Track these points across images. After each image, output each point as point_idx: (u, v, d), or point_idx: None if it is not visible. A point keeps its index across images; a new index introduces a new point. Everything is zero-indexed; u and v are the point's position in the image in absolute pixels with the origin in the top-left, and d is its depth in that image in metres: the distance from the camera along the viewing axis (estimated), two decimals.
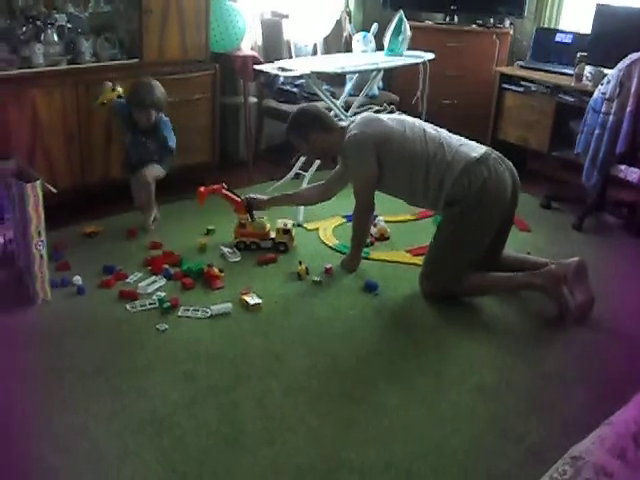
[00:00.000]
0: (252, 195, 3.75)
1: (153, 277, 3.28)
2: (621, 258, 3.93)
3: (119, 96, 3.71)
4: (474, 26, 5.55)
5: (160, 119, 3.79)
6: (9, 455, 2.16)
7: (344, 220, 4.09)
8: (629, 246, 4.10)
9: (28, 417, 2.34)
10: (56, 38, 3.73)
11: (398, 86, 5.48)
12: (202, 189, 3.70)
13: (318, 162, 4.18)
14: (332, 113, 4.24)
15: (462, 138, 3.35)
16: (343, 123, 3.61)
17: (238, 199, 3.72)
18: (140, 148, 3.82)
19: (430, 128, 3.37)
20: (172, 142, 3.85)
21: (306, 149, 3.57)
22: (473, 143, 3.32)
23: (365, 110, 4.55)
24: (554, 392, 2.63)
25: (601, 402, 2.45)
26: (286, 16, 5.08)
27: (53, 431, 2.27)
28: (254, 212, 3.70)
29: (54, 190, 3.14)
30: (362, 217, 3.46)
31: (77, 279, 3.16)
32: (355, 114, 4.41)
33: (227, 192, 3.75)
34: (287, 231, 3.67)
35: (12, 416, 2.34)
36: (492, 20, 5.55)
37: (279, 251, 3.64)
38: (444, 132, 3.37)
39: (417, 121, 3.44)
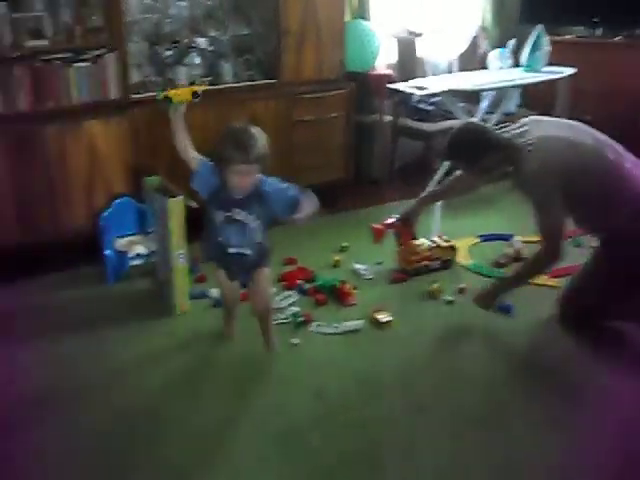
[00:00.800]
0: (402, 214, 3.48)
1: (287, 292, 3.33)
2: None
3: (195, 94, 2.69)
4: (620, 38, 5.31)
5: (263, 181, 2.65)
6: (144, 459, 2.25)
7: (479, 240, 4.01)
8: None
9: (164, 419, 2.45)
10: (198, 61, 3.89)
11: (535, 102, 5.32)
12: (378, 226, 3.53)
13: None
14: None
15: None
16: (510, 135, 2.98)
17: (409, 232, 3.52)
18: (233, 232, 2.64)
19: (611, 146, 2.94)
20: (292, 191, 2.70)
21: (477, 173, 3.04)
22: None
23: (502, 128, 4.45)
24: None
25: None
26: (420, 34, 5.08)
27: (187, 433, 2.36)
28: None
29: (195, 205, 3.25)
30: (543, 264, 2.97)
31: (214, 292, 3.26)
32: None
33: (399, 225, 3.52)
34: (452, 247, 3.66)
35: (150, 422, 2.44)
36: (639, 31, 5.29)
37: (445, 268, 3.63)
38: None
39: (596, 134, 2.97)
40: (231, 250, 2.66)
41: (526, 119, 3.06)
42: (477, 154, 2.90)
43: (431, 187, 4.29)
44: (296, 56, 4.15)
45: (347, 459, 2.25)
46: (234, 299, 2.91)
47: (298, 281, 3.40)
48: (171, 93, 2.63)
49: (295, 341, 2.92)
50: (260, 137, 2.58)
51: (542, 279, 3.49)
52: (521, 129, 2.95)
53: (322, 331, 3.01)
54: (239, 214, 2.60)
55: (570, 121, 3.07)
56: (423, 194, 3.51)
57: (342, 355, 2.85)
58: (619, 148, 2.94)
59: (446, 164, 4.21)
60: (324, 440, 2.34)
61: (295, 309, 3.14)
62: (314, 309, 3.19)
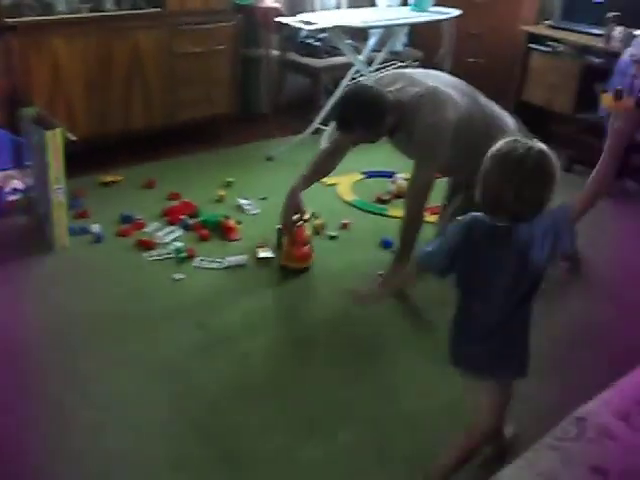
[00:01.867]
0: (286, 216, 2.96)
1: (170, 227, 3.31)
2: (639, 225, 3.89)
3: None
4: None
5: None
6: (29, 397, 2.24)
7: (363, 176, 4.09)
8: None
9: (47, 361, 2.40)
10: None
11: (422, 42, 5.40)
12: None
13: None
14: (354, 68, 4.22)
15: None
16: (391, 95, 2.78)
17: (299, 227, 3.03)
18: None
19: (479, 94, 3.00)
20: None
21: (366, 137, 2.84)
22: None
23: (388, 66, 4.51)
24: (561, 356, 2.64)
25: (608, 366, 2.47)
26: None
27: (71, 374, 2.33)
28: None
29: (74, 138, 3.15)
30: (418, 221, 2.88)
31: (95, 227, 3.20)
32: (377, 69, 4.38)
33: None
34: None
35: (31, 360, 2.41)
36: None
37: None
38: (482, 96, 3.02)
39: (464, 83, 2.98)
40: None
41: (390, 71, 3.10)
42: (375, 118, 2.73)
43: (314, 127, 4.31)
44: None
45: (230, 392, 2.31)
46: None
47: (182, 216, 3.37)
48: None
49: (178, 276, 2.92)
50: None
51: None
52: (402, 84, 2.83)
53: (206, 266, 3.02)
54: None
55: (430, 70, 3.10)
56: (297, 182, 2.96)
57: (225, 289, 2.88)
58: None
59: (333, 100, 4.23)
60: (207, 373, 2.37)
61: (178, 244, 3.13)
62: (198, 244, 3.19)
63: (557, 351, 2.66)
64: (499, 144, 1.73)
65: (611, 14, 4.63)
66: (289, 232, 2.96)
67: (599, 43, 4.64)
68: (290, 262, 3.01)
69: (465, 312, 1.86)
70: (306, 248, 3.03)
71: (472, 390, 1.93)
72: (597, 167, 1.89)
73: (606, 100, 2.54)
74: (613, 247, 3.25)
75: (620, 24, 4.56)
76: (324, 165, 3.02)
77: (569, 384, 2.45)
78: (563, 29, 5.00)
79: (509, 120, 3.03)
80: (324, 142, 4.09)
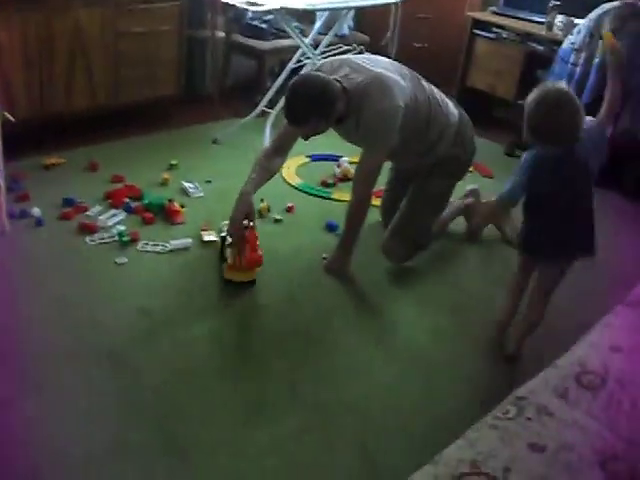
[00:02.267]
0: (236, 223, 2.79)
1: (113, 210, 3.26)
2: None
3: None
4: None
5: None
6: None
7: (307, 160, 4.09)
8: None
9: None
10: None
11: (368, 26, 5.41)
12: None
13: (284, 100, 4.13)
14: (300, 51, 4.20)
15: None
16: (338, 83, 2.73)
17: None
18: None
19: (421, 78, 3.01)
20: None
21: (318, 128, 2.77)
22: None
23: (335, 50, 4.50)
24: (505, 336, 2.69)
25: (549, 346, 2.53)
26: None
27: (10, 360, 2.28)
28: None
29: (12, 119, 3.07)
30: (365, 205, 2.89)
31: (36, 211, 3.13)
32: (323, 53, 4.36)
33: None
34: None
35: None
36: None
37: None
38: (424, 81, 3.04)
39: (405, 68, 2.97)
40: None
41: (331, 59, 3.03)
42: (328, 108, 2.67)
43: (259, 109, 4.27)
44: None
45: (174, 377, 2.29)
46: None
47: (125, 199, 3.32)
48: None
49: (121, 260, 2.88)
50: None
51: None
52: (346, 71, 2.79)
53: (149, 250, 2.98)
54: None
55: (372, 56, 3.05)
56: (247, 185, 2.86)
57: (169, 274, 2.85)
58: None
59: (278, 83, 4.21)
60: (150, 359, 2.35)
61: (121, 228, 3.07)
62: (142, 228, 3.14)
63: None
64: (534, 93, 2.24)
65: (552, 2, 4.71)
66: (238, 239, 2.75)
67: (541, 31, 4.72)
68: (235, 274, 2.79)
69: (533, 223, 2.44)
70: (258, 252, 2.78)
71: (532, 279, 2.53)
72: (607, 95, 2.51)
73: (607, 36, 3.29)
74: None
75: (561, 12, 4.65)
76: (272, 164, 2.95)
77: (513, 363, 2.50)
78: (507, 16, 5.07)
79: (449, 103, 3.06)
80: (269, 125, 4.06)
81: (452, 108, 3.03)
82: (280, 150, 2.96)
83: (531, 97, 2.24)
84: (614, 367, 1.77)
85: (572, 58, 4.06)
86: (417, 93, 2.86)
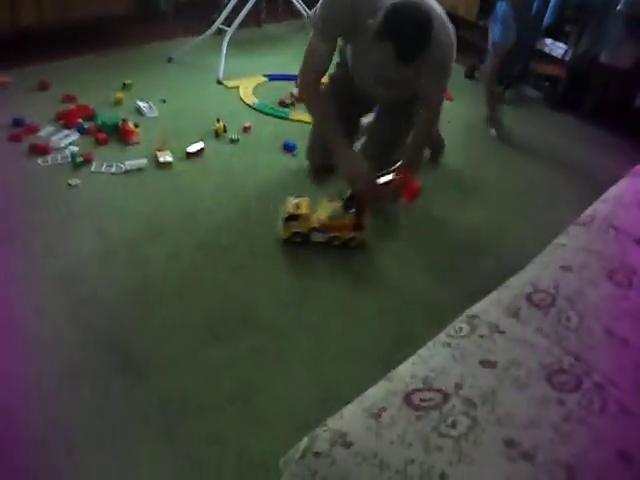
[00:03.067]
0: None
1: (66, 131, 3.17)
2: (537, 128, 4.01)
3: None
4: None
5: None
6: None
7: (265, 79, 4.02)
8: (546, 117, 4.19)
9: None
10: None
11: None
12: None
13: (241, 18, 4.02)
14: None
15: None
16: None
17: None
18: None
19: None
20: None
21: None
22: None
23: None
24: (458, 261, 2.73)
25: (501, 268, 2.57)
26: None
27: None
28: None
29: None
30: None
31: None
32: None
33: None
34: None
35: None
36: None
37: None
38: None
39: None
40: None
41: None
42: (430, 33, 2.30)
43: (215, 27, 4.14)
44: None
45: (129, 296, 2.28)
46: None
47: (78, 120, 3.22)
48: None
49: (74, 182, 2.82)
50: None
51: None
52: None
53: (103, 171, 2.93)
54: None
55: None
56: (341, 146, 2.58)
57: (124, 194, 2.81)
58: None
59: (234, 1, 4.09)
60: (106, 280, 2.33)
61: (74, 149, 3.00)
62: (95, 148, 3.07)
63: (454, 257, 2.75)
64: None
65: None
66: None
67: None
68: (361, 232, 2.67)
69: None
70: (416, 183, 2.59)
71: None
72: None
73: None
74: (508, 149, 3.37)
75: None
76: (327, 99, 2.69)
77: (466, 287, 2.54)
78: None
79: None
80: (226, 43, 3.96)
81: None
82: (322, 77, 2.66)
83: None
84: (564, 286, 1.80)
85: None
86: None
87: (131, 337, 2.12)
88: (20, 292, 2.24)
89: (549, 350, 1.54)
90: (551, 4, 3.96)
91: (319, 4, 2.50)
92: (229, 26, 4.04)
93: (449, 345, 1.56)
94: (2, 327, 2.11)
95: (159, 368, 2.03)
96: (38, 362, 2.00)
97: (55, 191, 2.77)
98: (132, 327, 2.16)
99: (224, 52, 3.93)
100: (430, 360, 1.51)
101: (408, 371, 1.48)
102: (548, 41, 4.33)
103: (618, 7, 3.76)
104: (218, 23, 4.13)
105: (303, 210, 2.59)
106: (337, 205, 2.64)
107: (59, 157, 2.97)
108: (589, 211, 2.28)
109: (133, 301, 2.26)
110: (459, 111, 3.96)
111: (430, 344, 1.60)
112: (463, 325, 1.65)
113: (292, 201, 2.63)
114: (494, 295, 1.81)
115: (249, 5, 4.08)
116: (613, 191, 2.43)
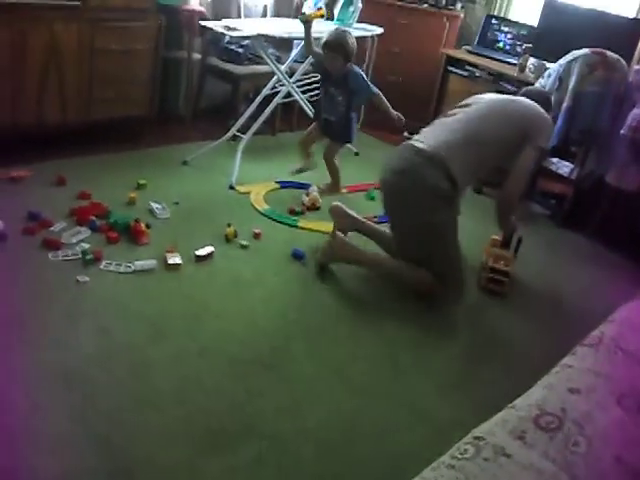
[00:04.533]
0: None
1: (78, 227, 3.21)
2: (544, 245, 4.04)
3: (322, 16, 4.01)
4: (426, 5, 5.53)
5: (350, 70, 3.70)
6: None
7: (277, 186, 4.09)
8: (552, 235, 4.23)
9: None
10: None
11: None
12: None
13: (257, 126, 4.15)
14: (275, 77, 4.22)
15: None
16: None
17: None
18: (327, 101, 3.80)
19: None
20: (364, 92, 3.76)
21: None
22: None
23: (309, 78, 4.53)
24: (463, 372, 2.71)
25: (506, 382, 2.55)
26: None
27: None
28: None
29: None
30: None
31: None
32: (298, 81, 4.40)
33: None
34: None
35: None
36: (444, 1, 5.54)
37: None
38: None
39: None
40: (324, 115, 3.82)
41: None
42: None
43: (231, 133, 4.26)
44: None
45: (130, 400, 2.24)
46: (313, 138, 3.99)
47: (91, 217, 3.27)
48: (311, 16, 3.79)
49: (83, 278, 2.83)
50: (348, 36, 3.64)
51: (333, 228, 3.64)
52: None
53: (112, 269, 2.94)
54: (332, 90, 3.75)
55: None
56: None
57: (131, 295, 2.81)
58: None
59: (252, 108, 4.22)
60: (108, 381, 2.31)
61: (85, 245, 3.04)
62: (106, 247, 3.10)
63: (459, 368, 2.73)
64: None
65: (525, 46, 4.82)
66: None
67: (513, 72, 4.81)
68: None
69: None
70: None
71: None
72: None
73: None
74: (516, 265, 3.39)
75: (533, 55, 4.75)
76: None
77: (470, 401, 2.50)
78: (481, 55, 5.17)
79: None
80: (241, 150, 4.06)
81: None
82: None
83: None
84: (572, 409, 1.78)
85: None
86: None
87: (129, 441, 2.07)
88: (21, 386, 2.21)
89: (556, 476, 1.50)
90: (557, 127, 4.07)
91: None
92: (244, 133, 4.15)
93: (453, 467, 1.53)
94: (0, 420, 2.07)
95: (154, 477, 1.97)
96: (33, 459, 1.95)
97: (63, 286, 2.78)
98: (131, 431, 2.11)
99: (238, 158, 4.03)
100: None
101: None
102: (554, 160, 4.43)
103: (622, 131, 3.87)
104: (234, 130, 4.25)
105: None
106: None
107: (70, 253, 2.99)
108: (596, 332, 2.27)
109: (133, 404, 2.23)
110: (467, 225, 3.99)
111: (434, 465, 1.56)
112: (468, 447, 1.62)
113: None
114: (499, 416, 1.78)
115: (265, 114, 4.21)
116: (621, 312, 2.43)
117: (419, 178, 2.98)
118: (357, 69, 3.76)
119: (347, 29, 3.79)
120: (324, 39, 3.61)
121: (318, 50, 3.73)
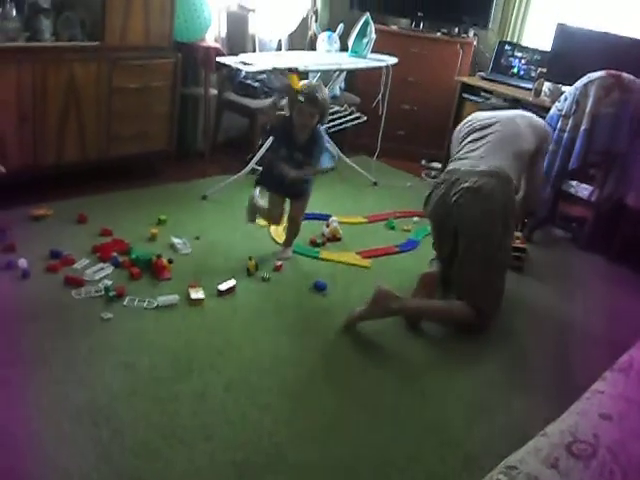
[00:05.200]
0: None
1: (101, 264, 3.23)
2: (567, 269, 4.02)
3: (297, 92, 3.35)
4: (439, 34, 5.57)
5: (318, 130, 3.43)
6: None
7: None
8: (575, 258, 4.20)
9: None
10: (15, 13, 3.63)
11: (359, 88, 5.50)
12: None
13: None
14: None
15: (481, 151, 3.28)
16: None
17: None
18: (292, 164, 3.37)
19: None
20: (321, 158, 3.59)
21: None
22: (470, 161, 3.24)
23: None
24: (492, 399, 2.68)
25: (536, 410, 2.51)
26: (252, 10, 5.05)
27: None
28: None
29: (3, 170, 3.07)
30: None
31: (22, 262, 3.10)
32: None
33: None
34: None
35: None
36: (457, 30, 5.59)
37: None
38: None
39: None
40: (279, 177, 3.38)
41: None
42: None
43: (250, 167, 4.28)
44: (122, 19, 3.95)
45: (157, 436, 2.23)
46: (279, 214, 3.62)
47: (113, 253, 3.30)
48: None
49: (107, 315, 2.84)
50: (325, 90, 3.40)
51: (356, 259, 3.65)
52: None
53: (136, 305, 2.95)
54: (297, 155, 3.39)
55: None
56: None
57: (155, 330, 2.82)
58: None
59: (270, 140, 4.24)
60: (134, 416, 2.30)
61: (108, 282, 3.06)
62: (128, 283, 3.11)
63: (489, 395, 2.70)
64: None
65: (540, 70, 4.83)
66: None
67: (529, 97, 4.81)
68: None
69: None
70: None
71: None
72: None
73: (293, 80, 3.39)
74: (539, 290, 3.37)
75: (548, 80, 4.76)
76: None
77: (501, 428, 2.47)
78: (495, 81, 5.19)
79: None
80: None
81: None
82: None
83: None
84: (605, 436, 1.75)
85: (559, 124, 4.14)
86: None
87: (156, 477, 2.07)
88: (47, 423, 2.21)
89: None
90: (575, 149, 4.06)
91: None
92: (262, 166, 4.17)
93: None
94: (26, 454, 2.07)
95: None
96: None
97: (88, 324, 2.79)
98: (158, 467, 2.11)
99: (257, 191, 4.04)
100: None
101: None
102: (574, 183, 4.42)
103: None
104: (252, 163, 4.27)
105: None
106: None
107: (92, 290, 3.01)
108: (626, 357, 2.24)
109: (160, 440, 2.22)
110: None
111: None
112: (501, 476, 1.59)
113: None
114: (531, 444, 1.75)
115: None
116: None
117: (497, 196, 3.08)
118: (322, 131, 3.54)
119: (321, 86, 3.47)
120: (305, 90, 3.31)
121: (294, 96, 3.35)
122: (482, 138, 3.33)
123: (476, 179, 3.06)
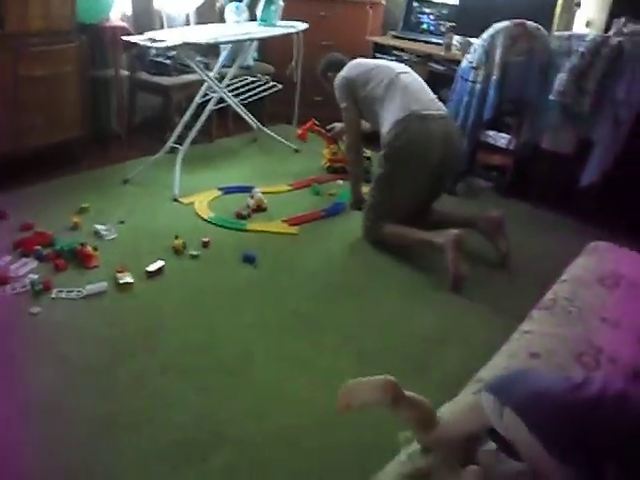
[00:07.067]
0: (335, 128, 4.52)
1: (24, 259, 3.15)
2: None
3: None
4: None
5: None
6: None
7: (220, 193, 4.08)
8: (498, 206, 4.27)
9: None
10: None
11: (272, 56, 5.46)
12: (300, 132, 4.59)
13: (192, 136, 4.12)
14: (205, 85, 4.20)
15: (431, 94, 3.70)
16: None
17: (327, 133, 4.56)
18: None
19: (405, 75, 3.71)
20: None
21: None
22: (428, 102, 3.61)
23: (240, 81, 4.53)
24: (429, 354, 2.73)
25: (471, 360, 2.58)
26: None
27: None
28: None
29: None
30: (349, 155, 4.03)
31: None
32: (229, 85, 4.39)
33: (317, 128, 4.58)
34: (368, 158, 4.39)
35: None
36: None
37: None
38: (416, 84, 3.70)
39: (395, 66, 3.89)
40: None
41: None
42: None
43: (168, 146, 4.23)
44: (21, 5, 3.80)
45: (100, 425, 2.21)
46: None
47: (36, 247, 3.21)
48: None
49: (35, 310, 2.78)
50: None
51: (283, 228, 3.66)
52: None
53: (64, 297, 2.90)
54: None
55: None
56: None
57: (86, 319, 2.77)
58: None
59: (186, 118, 4.19)
60: (74, 408, 2.27)
61: (33, 276, 2.99)
62: (55, 275, 3.05)
63: (425, 350, 2.75)
64: None
65: (448, 24, 4.88)
66: None
67: (441, 51, 4.86)
68: None
69: None
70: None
71: None
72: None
73: None
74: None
75: (457, 33, 4.81)
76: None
77: (438, 380, 2.53)
78: (407, 39, 5.22)
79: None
80: (179, 161, 4.04)
81: (405, 107, 3.49)
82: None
83: None
84: None
85: (471, 76, 4.20)
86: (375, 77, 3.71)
87: (103, 467, 2.05)
88: None
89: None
90: (489, 99, 4.13)
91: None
92: (181, 144, 4.12)
93: None
94: None
95: None
96: None
97: (16, 320, 2.72)
98: (103, 456, 2.09)
99: (178, 170, 4.01)
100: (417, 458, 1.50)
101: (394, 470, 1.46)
102: (491, 133, 4.50)
103: (550, 96, 3.95)
104: (171, 142, 4.21)
105: None
106: None
107: (18, 286, 2.94)
108: (550, 294, 2.31)
109: (102, 428, 2.20)
110: None
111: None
112: None
113: None
114: (466, 390, 1.80)
115: (200, 123, 4.19)
116: (571, 271, 2.47)
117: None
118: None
119: None
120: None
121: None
122: (411, 84, 3.66)
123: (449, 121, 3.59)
